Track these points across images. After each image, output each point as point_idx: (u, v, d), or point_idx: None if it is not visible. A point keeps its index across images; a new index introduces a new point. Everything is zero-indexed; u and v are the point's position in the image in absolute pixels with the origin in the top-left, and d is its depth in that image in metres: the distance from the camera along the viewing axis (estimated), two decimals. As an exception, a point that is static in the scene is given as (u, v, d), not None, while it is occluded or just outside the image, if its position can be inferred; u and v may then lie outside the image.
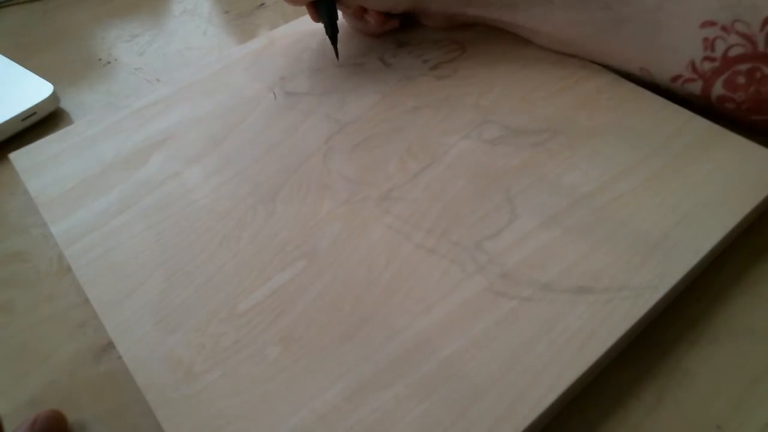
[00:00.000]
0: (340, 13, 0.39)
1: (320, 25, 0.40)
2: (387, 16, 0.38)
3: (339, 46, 0.39)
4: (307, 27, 0.42)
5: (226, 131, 0.35)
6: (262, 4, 0.51)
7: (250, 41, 0.42)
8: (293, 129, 0.35)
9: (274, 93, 0.38)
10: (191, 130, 0.36)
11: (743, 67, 0.31)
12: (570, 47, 0.37)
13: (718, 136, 0.32)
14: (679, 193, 0.29)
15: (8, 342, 0.28)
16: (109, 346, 0.28)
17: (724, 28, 0.30)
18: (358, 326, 0.25)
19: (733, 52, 0.30)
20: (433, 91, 0.36)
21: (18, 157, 0.35)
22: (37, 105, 0.39)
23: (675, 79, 0.33)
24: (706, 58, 0.31)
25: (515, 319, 0.25)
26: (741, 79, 0.31)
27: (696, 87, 0.33)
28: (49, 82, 0.41)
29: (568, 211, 0.29)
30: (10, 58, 0.44)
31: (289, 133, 0.35)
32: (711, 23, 0.31)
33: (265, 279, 0.28)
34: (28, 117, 0.39)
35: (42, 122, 0.40)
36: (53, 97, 0.40)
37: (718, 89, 0.32)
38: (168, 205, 0.31)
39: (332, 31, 0.37)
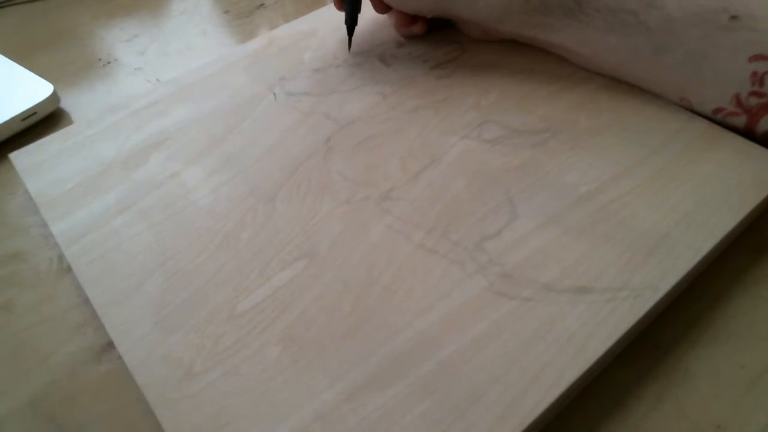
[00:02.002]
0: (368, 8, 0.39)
1: (319, 25, 0.40)
2: (413, 19, 0.38)
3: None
4: (307, 27, 0.42)
5: (226, 131, 0.35)
6: (262, 4, 0.51)
7: (250, 41, 0.42)
8: (293, 129, 0.35)
9: (274, 93, 0.38)
10: (191, 130, 0.36)
11: None
12: (608, 70, 0.35)
13: (718, 136, 0.32)
14: (679, 193, 0.29)
15: (8, 342, 0.28)
16: (109, 346, 0.28)
17: None
18: (358, 326, 0.25)
19: None
20: (433, 91, 0.36)
21: (18, 157, 0.35)
22: (37, 105, 0.39)
23: (717, 111, 0.32)
24: (752, 93, 0.30)
25: (515, 319, 0.25)
26: None
27: (739, 121, 0.31)
28: (49, 82, 0.41)
29: (568, 211, 0.29)
30: (10, 58, 0.44)
31: (289, 133, 0.35)
32: (761, 57, 0.29)
33: (265, 279, 0.28)
34: (28, 117, 0.39)
35: (42, 122, 0.40)
36: (53, 97, 0.40)
37: (764, 125, 0.30)
38: (168, 205, 0.31)
39: (350, 22, 0.38)
